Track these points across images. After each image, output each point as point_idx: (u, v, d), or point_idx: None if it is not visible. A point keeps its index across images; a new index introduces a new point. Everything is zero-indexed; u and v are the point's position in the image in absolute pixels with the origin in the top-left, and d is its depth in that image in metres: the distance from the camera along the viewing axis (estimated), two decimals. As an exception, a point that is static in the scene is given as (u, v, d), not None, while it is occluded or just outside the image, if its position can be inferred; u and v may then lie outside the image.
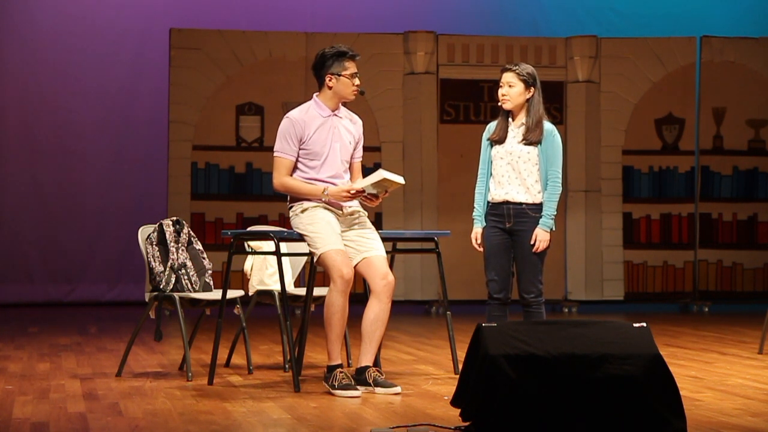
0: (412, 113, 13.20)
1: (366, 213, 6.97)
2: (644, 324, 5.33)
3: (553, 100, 13.03)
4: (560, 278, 13.26)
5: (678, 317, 12.62)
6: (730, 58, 13.56)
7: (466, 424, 5.23)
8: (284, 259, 7.13)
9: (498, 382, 5.04)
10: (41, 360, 8.33)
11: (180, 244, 7.46)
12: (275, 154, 6.84)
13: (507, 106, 6.81)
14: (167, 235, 7.45)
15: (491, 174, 6.87)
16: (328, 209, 6.81)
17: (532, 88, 6.81)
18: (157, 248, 7.41)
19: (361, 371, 6.71)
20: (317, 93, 6.90)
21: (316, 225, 6.72)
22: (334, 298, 6.64)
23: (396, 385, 6.68)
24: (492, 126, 6.92)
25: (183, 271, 7.41)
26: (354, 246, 6.77)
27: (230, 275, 7.04)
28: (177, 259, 7.41)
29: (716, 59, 13.54)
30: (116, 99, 13.79)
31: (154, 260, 7.37)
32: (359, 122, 7.06)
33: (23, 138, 13.62)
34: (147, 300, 7.40)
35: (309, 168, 6.81)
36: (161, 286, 7.34)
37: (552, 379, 5.07)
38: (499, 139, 6.84)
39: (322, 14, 14.07)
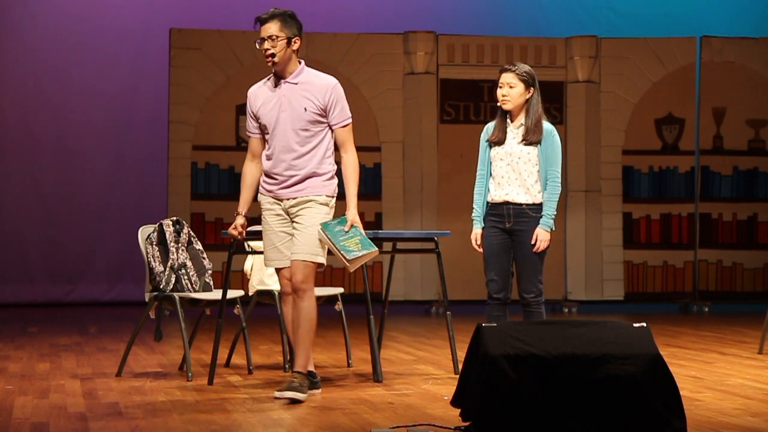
0: (412, 113, 13.20)
1: (315, 199, 6.43)
2: (644, 324, 5.33)
3: (553, 100, 13.04)
4: (560, 278, 13.26)
5: (678, 317, 12.62)
6: (730, 58, 13.56)
7: (466, 424, 5.23)
8: (284, 259, 7.12)
9: (498, 382, 5.04)
10: (41, 360, 8.33)
11: (180, 244, 7.46)
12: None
13: (507, 106, 6.80)
14: (167, 235, 7.45)
15: (491, 174, 6.86)
16: (270, 210, 6.52)
17: (532, 88, 6.81)
18: (157, 248, 7.41)
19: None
20: None
21: (264, 235, 6.60)
22: (283, 309, 6.68)
23: (298, 393, 6.28)
24: (490, 127, 6.91)
25: (183, 271, 7.42)
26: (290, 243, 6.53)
27: (230, 275, 7.04)
28: (177, 259, 7.41)
29: (716, 59, 13.54)
30: (116, 99, 13.79)
31: (154, 260, 7.37)
32: (326, 84, 6.45)
33: (23, 138, 13.62)
34: (147, 300, 7.41)
35: (265, 141, 6.51)
36: (161, 286, 7.34)
37: (552, 379, 5.07)
38: (498, 141, 6.83)
39: (322, 14, 14.06)
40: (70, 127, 13.70)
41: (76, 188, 13.72)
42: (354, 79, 13.07)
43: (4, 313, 12.51)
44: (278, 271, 6.60)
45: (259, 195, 6.61)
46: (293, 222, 6.48)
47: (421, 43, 13.18)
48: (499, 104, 6.84)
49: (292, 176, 6.45)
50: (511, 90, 6.78)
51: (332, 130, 6.48)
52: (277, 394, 6.36)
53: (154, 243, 7.42)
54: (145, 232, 7.51)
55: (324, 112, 6.43)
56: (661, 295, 13.51)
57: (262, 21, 6.47)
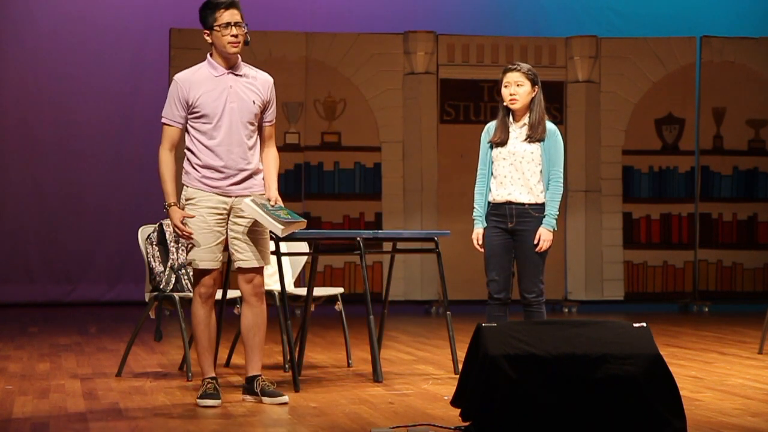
0: (412, 113, 13.20)
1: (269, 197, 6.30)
2: (644, 324, 5.33)
3: (553, 100, 13.03)
4: (560, 278, 13.26)
5: (678, 317, 12.62)
6: (730, 58, 13.56)
7: (466, 424, 5.23)
8: (284, 259, 7.13)
9: (498, 382, 5.04)
10: (41, 360, 8.33)
11: (180, 245, 7.46)
12: (162, 120, 6.28)
13: (516, 106, 6.78)
14: (167, 235, 7.45)
15: (492, 174, 6.85)
16: (213, 208, 6.25)
17: (536, 86, 6.82)
18: (157, 248, 7.41)
19: (250, 380, 6.34)
20: (210, 52, 6.39)
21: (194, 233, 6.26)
22: (194, 309, 6.30)
23: (283, 395, 6.28)
24: (491, 127, 6.90)
25: (183, 271, 7.42)
26: (235, 247, 6.30)
27: (230, 275, 7.04)
28: (177, 259, 7.41)
29: (716, 59, 13.54)
30: (116, 99, 13.79)
31: (154, 260, 7.38)
32: (268, 80, 6.43)
33: (23, 138, 13.63)
34: (147, 300, 7.41)
35: (201, 133, 6.22)
36: (161, 286, 7.34)
37: (552, 379, 5.07)
38: (500, 141, 6.82)
39: (322, 14, 14.06)
40: (70, 127, 13.70)
41: (76, 188, 13.72)
42: (354, 79, 13.08)
43: (4, 313, 12.51)
44: (205, 272, 6.26)
45: (191, 190, 6.29)
46: (237, 222, 6.27)
47: (421, 43, 13.18)
48: (505, 104, 6.81)
49: (243, 170, 6.26)
50: (518, 89, 6.77)
51: (260, 127, 6.36)
52: (267, 401, 6.25)
53: (154, 243, 7.42)
54: (145, 232, 7.51)
55: (264, 108, 6.36)
56: (661, 295, 13.51)
57: (227, 5, 6.29)
